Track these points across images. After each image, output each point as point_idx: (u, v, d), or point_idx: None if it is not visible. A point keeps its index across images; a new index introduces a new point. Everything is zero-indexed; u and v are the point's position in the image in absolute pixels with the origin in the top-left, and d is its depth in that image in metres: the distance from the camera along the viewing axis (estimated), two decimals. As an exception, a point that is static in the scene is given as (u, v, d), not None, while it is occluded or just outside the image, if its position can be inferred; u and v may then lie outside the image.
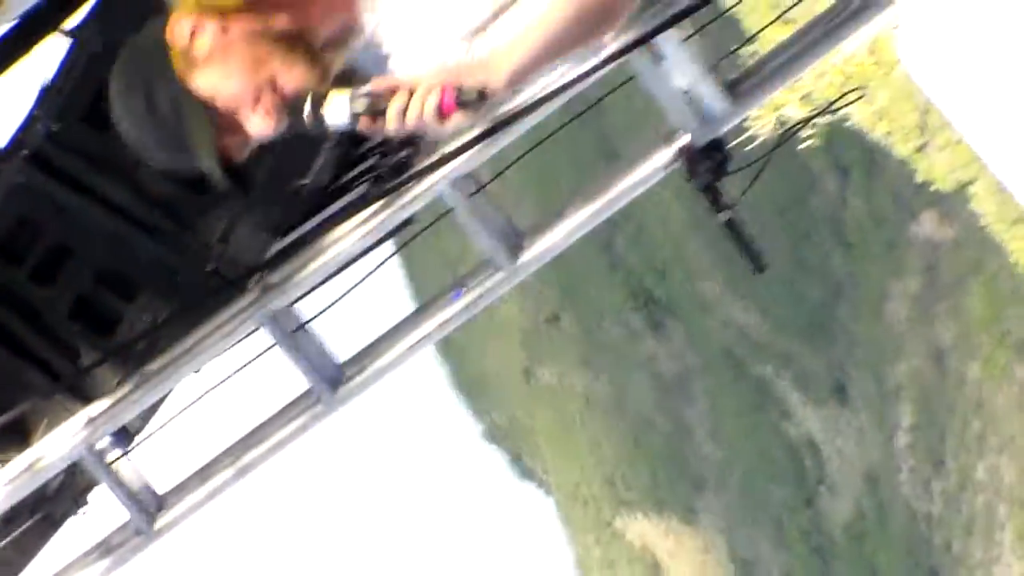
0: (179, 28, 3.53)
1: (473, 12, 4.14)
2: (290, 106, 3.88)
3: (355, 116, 3.90)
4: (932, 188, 36.98)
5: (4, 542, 7.82)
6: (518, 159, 7.63)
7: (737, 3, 9.27)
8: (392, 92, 3.82)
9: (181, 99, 3.48)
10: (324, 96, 3.80)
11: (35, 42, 8.24)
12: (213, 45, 3.51)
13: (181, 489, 7.66)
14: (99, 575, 7.86)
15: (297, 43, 3.74)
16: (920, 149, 37.29)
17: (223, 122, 3.60)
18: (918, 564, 46.09)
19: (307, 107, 3.90)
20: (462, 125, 3.92)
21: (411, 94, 3.82)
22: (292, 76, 3.63)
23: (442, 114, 3.74)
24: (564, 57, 4.02)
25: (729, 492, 49.47)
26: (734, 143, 7.47)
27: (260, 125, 3.57)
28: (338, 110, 3.79)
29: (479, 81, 3.88)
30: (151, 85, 3.62)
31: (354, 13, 4.03)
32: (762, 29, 8.75)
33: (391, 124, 3.82)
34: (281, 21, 3.66)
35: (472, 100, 3.78)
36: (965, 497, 42.79)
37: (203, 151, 3.52)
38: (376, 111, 3.80)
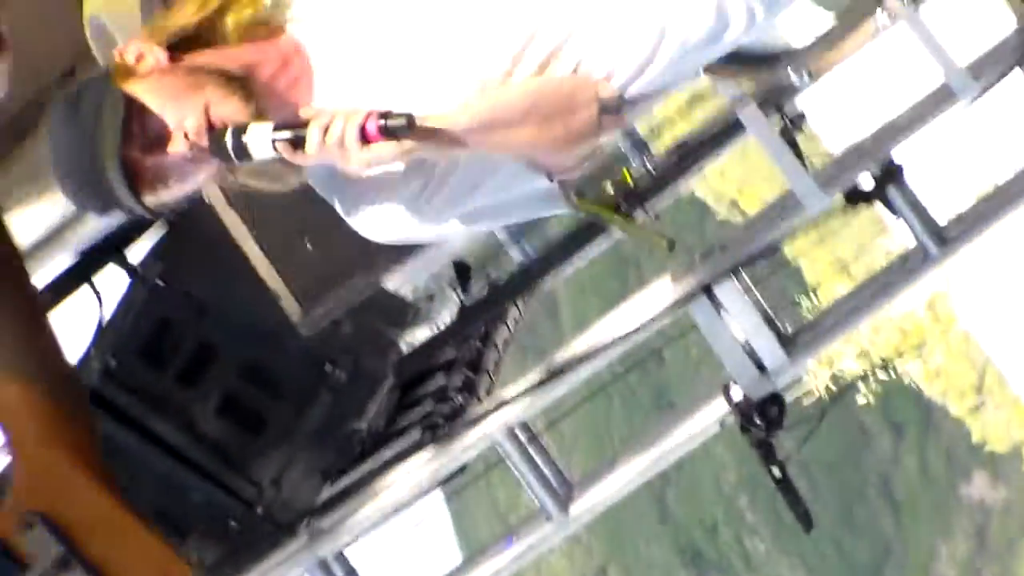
0: (130, 48, 3.54)
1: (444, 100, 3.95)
2: (214, 137, 3.61)
3: (275, 144, 3.65)
4: (986, 449, 38.36)
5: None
6: (574, 408, 7.44)
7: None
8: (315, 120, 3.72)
9: (105, 98, 3.35)
10: (246, 126, 3.57)
11: (94, 275, 7.99)
12: (156, 66, 3.44)
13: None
14: None
15: (238, 82, 3.54)
16: (976, 409, 38.23)
17: (138, 131, 3.37)
18: None
19: (228, 136, 3.66)
20: (385, 157, 3.64)
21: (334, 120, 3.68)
22: (226, 106, 3.43)
23: (365, 139, 3.52)
24: (528, 147, 3.81)
25: None
26: (790, 398, 6.81)
27: (178, 144, 3.39)
28: (260, 139, 3.54)
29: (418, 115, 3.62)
30: (84, 88, 3.49)
31: (305, 96, 3.86)
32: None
33: (310, 150, 3.60)
34: (231, 65, 3.55)
35: (399, 127, 3.49)
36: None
37: (107, 149, 3.27)
38: (299, 139, 3.57)
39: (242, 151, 3.54)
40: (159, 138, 3.34)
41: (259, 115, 3.37)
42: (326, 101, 3.91)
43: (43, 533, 2.56)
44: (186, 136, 3.33)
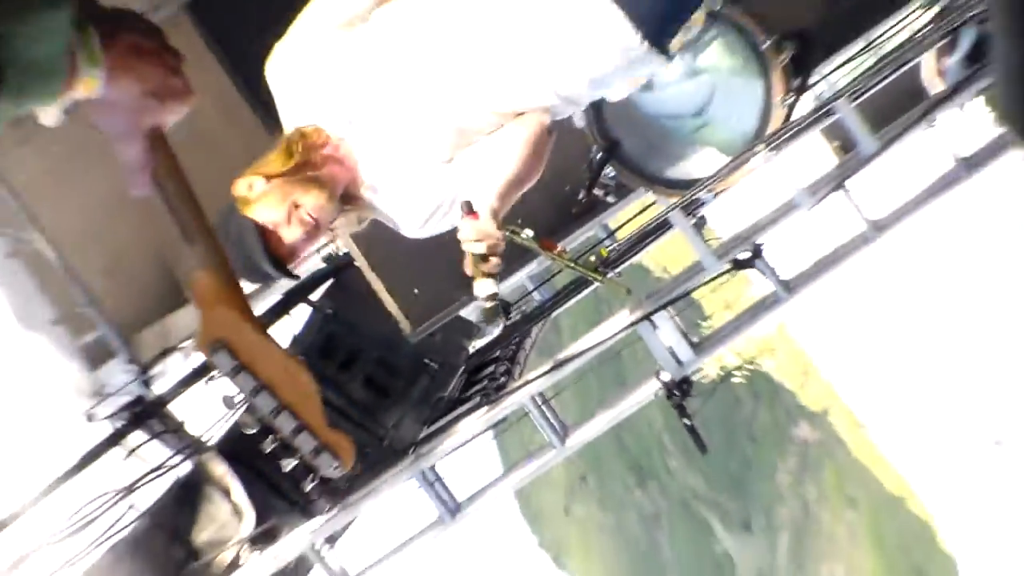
0: (241, 183, 4.34)
1: (437, 150, 5.11)
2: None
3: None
4: (808, 408, 58.14)
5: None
6: (569, 385, 8.33)
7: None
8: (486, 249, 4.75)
9: (241, 222, 4.22)
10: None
11: (290, 310, 9.42)
12: (260, 190, 4.27)
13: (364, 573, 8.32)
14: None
15: (313, 180, 4.46)
16: (802, 386, 58.03)
17: (272, 236, 4.32)
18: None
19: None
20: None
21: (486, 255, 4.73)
22: (308, 198, 4.35)
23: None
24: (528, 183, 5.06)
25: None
26: (696, 379, 8.02)
27: (291, 235, 4.31)
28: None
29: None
30: (226, 214, 4.35)
31: (355, 177, 4.89)
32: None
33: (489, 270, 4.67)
34: (307, 171, 4.41)
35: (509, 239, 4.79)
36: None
37: (257, 256, 4.23)
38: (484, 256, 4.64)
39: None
40: (293, 250, 4.39)
41: (330, 197, 4.41)
42: (369, 174, 5.02)
43: (223, 354, 2.45)
44: (295, 223, 4.33)
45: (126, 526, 8.06)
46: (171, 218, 2.54)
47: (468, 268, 4.60)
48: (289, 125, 4.39)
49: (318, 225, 4.33)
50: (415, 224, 5.01)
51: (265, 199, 4.28)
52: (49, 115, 2.60)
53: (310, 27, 4.94)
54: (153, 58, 2.43)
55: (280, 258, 4.34)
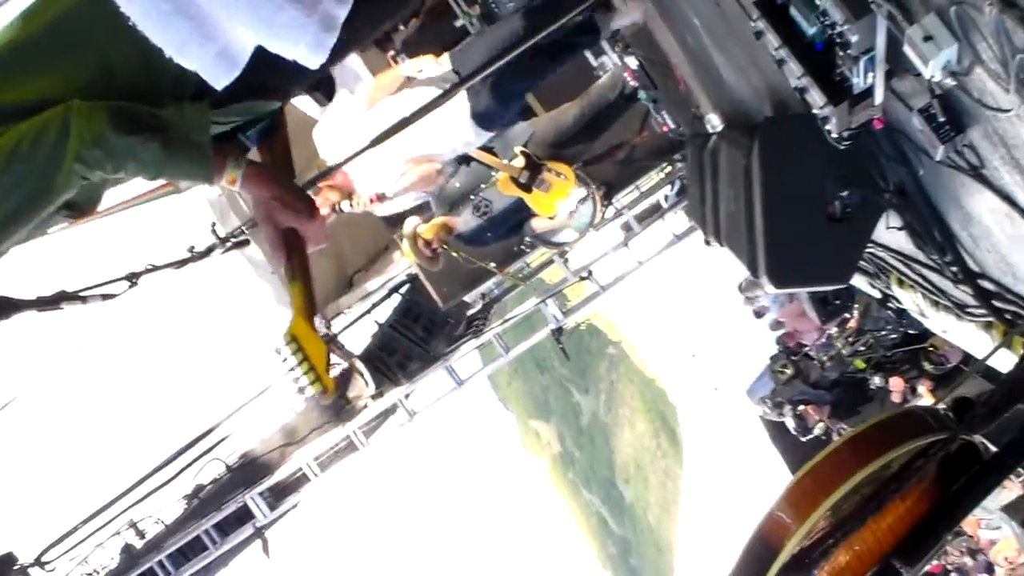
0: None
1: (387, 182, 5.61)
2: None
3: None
4: (614, 340, 73.91)
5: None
6: (509, 330, 9.64)
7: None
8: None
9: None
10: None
11: (391, 295, 9.81)
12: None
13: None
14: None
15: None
16: (612, 331, 71.43)
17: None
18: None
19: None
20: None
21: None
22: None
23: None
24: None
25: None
26: (565, 327, 9.40)
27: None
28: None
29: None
30: None
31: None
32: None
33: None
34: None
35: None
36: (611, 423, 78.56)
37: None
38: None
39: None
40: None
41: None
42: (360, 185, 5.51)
43: (294, 342, 2.21)
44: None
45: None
46: (284, 267, 2.54)
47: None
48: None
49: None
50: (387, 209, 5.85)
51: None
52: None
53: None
54: (273, 185, 2.41)
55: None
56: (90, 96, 2.06)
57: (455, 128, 5.60)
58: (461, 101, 5.47)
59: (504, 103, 5.71)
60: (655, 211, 9.80)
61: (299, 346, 2.42)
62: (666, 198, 10.14)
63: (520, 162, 6.91)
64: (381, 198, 5.66)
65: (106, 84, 2.10)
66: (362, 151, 3.76)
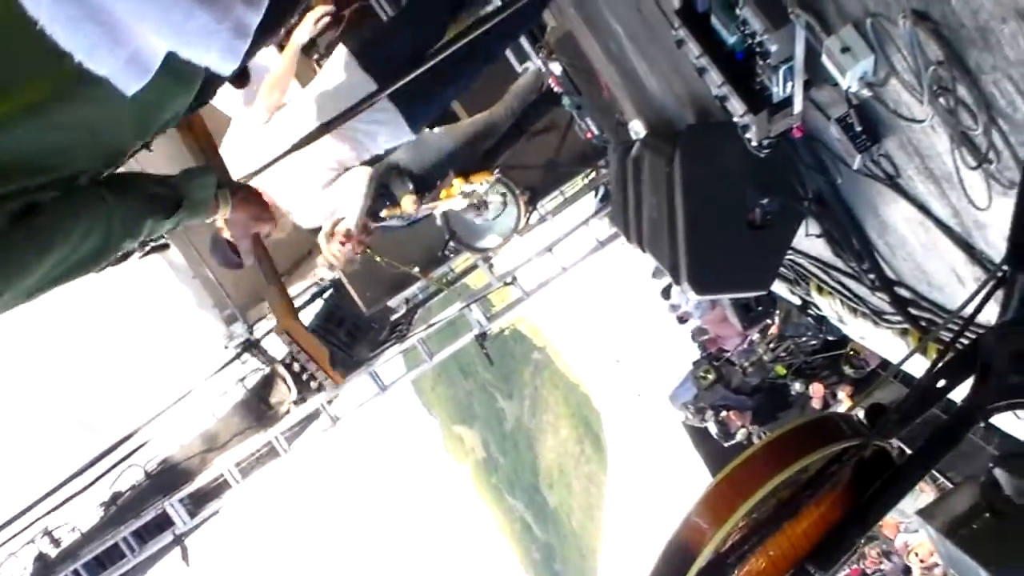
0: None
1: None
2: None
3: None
4: (538, 346, 74.25)
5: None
6: (435, 334, 9.68)
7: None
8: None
9: (218, 240, 4.15)
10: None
11: (314, 300, 9.99)
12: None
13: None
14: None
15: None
16: (536, 335, 70.89)
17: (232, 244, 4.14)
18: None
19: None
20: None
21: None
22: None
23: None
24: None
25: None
26: (489, 332, 9.48)
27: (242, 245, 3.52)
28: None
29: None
30: (214, 239, 4.52)
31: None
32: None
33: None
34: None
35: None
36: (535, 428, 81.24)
37: (226, 251, 4.31)
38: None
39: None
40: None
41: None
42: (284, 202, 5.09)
43: (286, 336, 2.59)
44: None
45: (243, 392, 9.19)
46: (262, 271, 2.86)
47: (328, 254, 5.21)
48: None
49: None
50: (307, 222, 5.30)
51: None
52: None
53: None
54: (254, 204, 2.75)
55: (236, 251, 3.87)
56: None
57: (373, 131, 5.35)
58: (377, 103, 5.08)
59: (433, 103, 5.54)
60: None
61: (295, 340, 2.59)
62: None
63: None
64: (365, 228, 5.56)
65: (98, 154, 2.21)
66: (268, 165, 3.85)
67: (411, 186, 6.69)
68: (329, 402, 9.25)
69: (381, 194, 6.51)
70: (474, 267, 10.12)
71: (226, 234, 3.73)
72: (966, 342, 2.09)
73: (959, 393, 2.10)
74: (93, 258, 2.19)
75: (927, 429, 2.05)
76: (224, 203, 2.56)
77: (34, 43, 1.87)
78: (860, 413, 2.19)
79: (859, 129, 2.82)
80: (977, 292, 2.13)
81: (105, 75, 1.99)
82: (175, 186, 2.36)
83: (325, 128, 4.04)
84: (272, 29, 2.68)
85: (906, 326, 4.05)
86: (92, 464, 8.83)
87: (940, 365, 2.08)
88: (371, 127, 5.25)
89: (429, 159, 6.92)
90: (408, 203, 6.78)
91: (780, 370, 13.28)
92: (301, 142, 4.09)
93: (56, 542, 8.93)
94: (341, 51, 5.22)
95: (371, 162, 5.52)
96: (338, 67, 5.15)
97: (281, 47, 5.48)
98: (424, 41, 5.05)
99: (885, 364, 8.83)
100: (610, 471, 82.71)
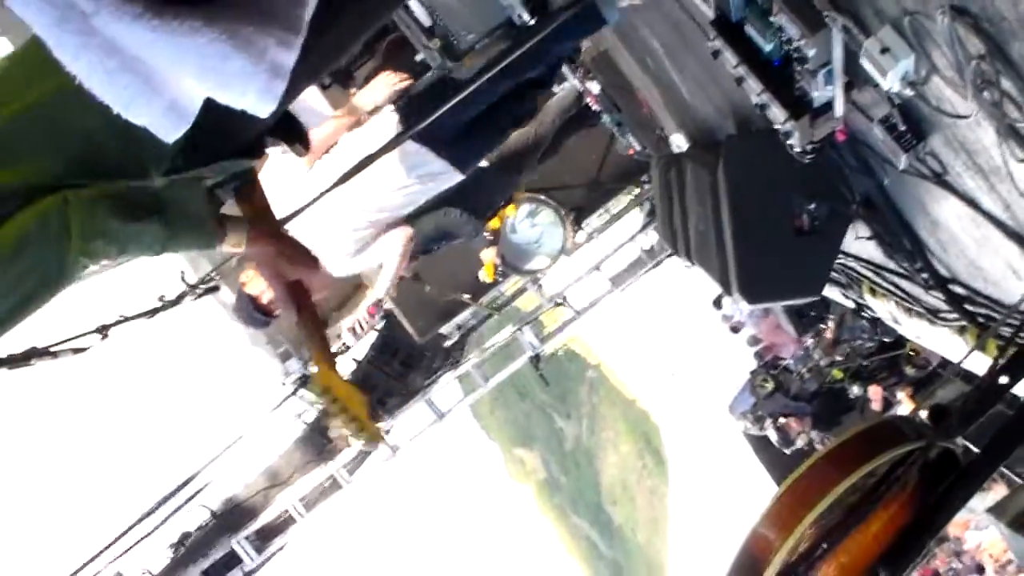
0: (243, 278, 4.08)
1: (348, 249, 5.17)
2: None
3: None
4: (592, 364, 74.51)
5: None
6: (488, 359, 9.50)
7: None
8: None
9: (243, 298, 3.96)
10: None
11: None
12: (250, 278, 4.03)
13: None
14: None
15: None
16: (589, 355, 72.18)
17: (259, 302, 4.25)
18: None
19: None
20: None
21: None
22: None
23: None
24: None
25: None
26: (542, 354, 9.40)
27: (267, 298, 4.08)
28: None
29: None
30: (239, 297, 4.23)
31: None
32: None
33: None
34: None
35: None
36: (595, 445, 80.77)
37: (245, 305, 4.04)
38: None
39: None
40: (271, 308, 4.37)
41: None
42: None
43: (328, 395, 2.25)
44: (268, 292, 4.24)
45: (304, 429, 9.30)
46: (301, 323, 2.52)
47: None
48: None
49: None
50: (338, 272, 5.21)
51: (253, 280, 4.40)
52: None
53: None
54: (281, 241, 2.49)
55: (264, 311, 4.46)
56: (71, 177, 2.07)
57: (430, 188, 5.32)
58: (419, 154, 5.16)
59: (487, 145, 5.58)
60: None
61: (335, 396, 2.41)
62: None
63: None
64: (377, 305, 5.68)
65: (88, 166, 2.10)
66: (308, 205, 3.71)
67: (472, 228, 6.59)
68: (387, 432, 9.23)
69: (440, 237, 6.43)
70: (524, 290, 9.99)
71: (250, 288, 3.93)
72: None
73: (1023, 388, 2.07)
74: (48, 271, 2.07)
75: (992, 426, 2.01)
76: (235, 232, 2.38)
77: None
78: (923, 414, 2.16)
79: (903, 128, 2.79)
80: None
81: (144, 124, 1.99)
82: (156, 195, 2.21)
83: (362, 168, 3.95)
84: (313, 73, 2.49)
85: (963, 323, 3.99)
86: (159, 506, 8.83)
87: (1002, 361, 2.04)
88: (428, 185, 5.24)
89: (475, 188, 6.66)
90: (488, 256, 7.39)
91: (837, 374, 13.14)
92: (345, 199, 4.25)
93: (129, 585, 9.04)
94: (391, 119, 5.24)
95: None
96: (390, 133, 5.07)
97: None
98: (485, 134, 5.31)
99: (945, 363, 8.73)
100: (672, 484, 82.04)
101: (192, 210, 2.25)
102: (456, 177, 5.25)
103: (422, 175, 5.14)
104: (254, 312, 4.43)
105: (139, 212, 2.14)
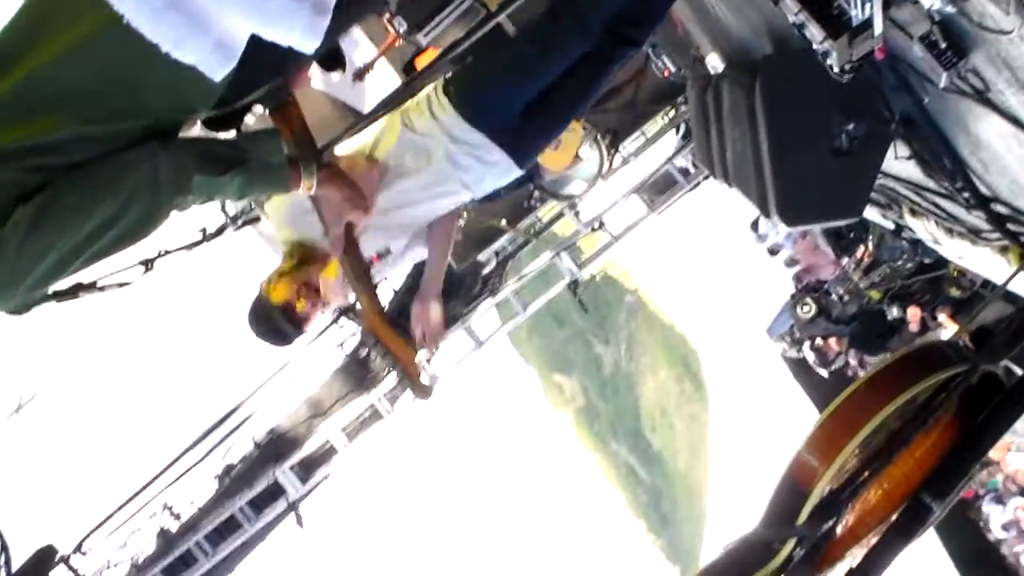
0: (263, 283, 3.47)
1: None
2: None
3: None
4: (629, 289, 72.03)
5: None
6: (527, 285, 9.80)
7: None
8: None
9: (268, 310, 3.48)
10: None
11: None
12: (277, 284, 3.37)
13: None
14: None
15: (310, 265, 3.44)
16: (627, 280, 69.67)
17: (288, 308, 3.51)
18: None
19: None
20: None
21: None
22: (311, 275, 3.46)
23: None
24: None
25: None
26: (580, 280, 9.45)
27: (301, 307, 3.48)
28: None
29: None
30: (258, 306, 3.54)
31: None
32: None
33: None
34: (311, 273, 3.44)
35: None
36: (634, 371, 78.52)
37: (279, 319, 3.48)
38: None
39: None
40: (292, 305, 3.46)
41: (321, 271, 3.55)
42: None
43: (377, 345, 2.58)
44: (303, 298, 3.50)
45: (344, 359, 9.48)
46: (349, 270, 2.74)
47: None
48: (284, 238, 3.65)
49: (318, 293, 3.58)
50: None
51: (280, 287, 3.61)
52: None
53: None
54: (345, 184, 2.64)
55: (297, 322, 3.67)
56: (114, 120, 2.11)
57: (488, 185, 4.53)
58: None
59: (549, 137, 4.35)
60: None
61: (384, 346, 2.40)
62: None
63: None
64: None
65: (130, 107, 2.14)
66: (345, 132, 3.27)
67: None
68: (427, 360, 9.28)
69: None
70: (561, 215, 10.16)
71: (277, 296, 3.52)
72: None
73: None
74: (142, 218, 2.18)
75: (1036, 347, 2.00)
76: (307, 175, 2.50)
77: None
78: (962, 339, 2.15)
79: (944, 46, 2.75)
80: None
81: (192, 63, 2.04)
82: (237, 146, 2.32)
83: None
84: (354, 11, 2.55)
85: (1005, 243, 3.98)
86: (203, 438, 9.06)
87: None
88: (484, 182, 3.99)
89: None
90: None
91: (874, 295, 13.14)
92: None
93: (176, 516, 9.13)
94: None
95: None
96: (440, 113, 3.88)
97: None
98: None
99: (986, 283, 8.70)
100: (712, 409, 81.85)
101: (272, 161, 2.35)
102: (514, 171, 4.04)
103: (482, 171, 3.96)
104: (286, 325, 3.73)
105: (223, 165, 2.23)
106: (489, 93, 3.77)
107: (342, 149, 3.62)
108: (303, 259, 3.53)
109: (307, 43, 2.13)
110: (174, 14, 1.97)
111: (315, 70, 4.94)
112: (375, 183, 3.50)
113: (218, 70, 2.08)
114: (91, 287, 3.30)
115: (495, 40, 3.75)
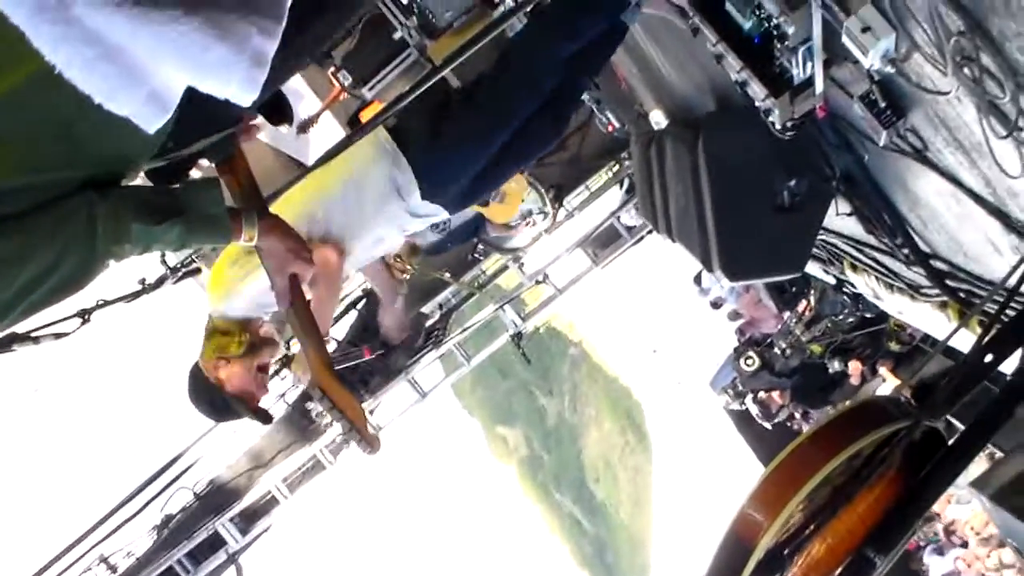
0: (209, 368, 3.52)
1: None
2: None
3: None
4: (574, 341, 73.00)
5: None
6: (470, 336, 9.67)
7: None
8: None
9: (220, 399, 3.49)
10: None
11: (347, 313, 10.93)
12: (228, 371, 3.46)
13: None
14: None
15: (262, 346, 3.55)
16: (571, 331, 70.22)
17: (246, 395, 3.50)
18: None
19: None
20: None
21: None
22: (267, 356, 3.56)
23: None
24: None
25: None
26: (524, 332, 9.48)
27: (260, 392, 3.54)
28: None
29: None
30: (201, 389, 3.60)
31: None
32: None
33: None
34: (263, 356, 3.54)
35: None
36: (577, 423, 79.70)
37: (241, 410, 3.47)
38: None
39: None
40: (253, 394, 3.52)
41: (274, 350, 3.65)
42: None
43: (323, 399, 2.23)
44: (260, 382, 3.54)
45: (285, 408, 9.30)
46: (296, 320, 2.60)
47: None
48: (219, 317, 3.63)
49: (267, 372, 3.64)
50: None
51: (233, 375, 3.59)
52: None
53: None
54: (289, 235, 2.53)
55: (255, 407, 3.64)
56: (49, 170, 2.05)
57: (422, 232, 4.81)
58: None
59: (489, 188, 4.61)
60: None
61: (331, 400, 2.52)
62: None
63: None
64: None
65: (66, 157, 2.08)
66: (291, 184, 3.55)
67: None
68: (371, 412, 9.23)
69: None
70: (505, 268, 10.15)
71: (221, 373, 3.54)
72: (1012, 314, 2.05)
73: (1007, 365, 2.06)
74: (78, 269, 2.11)
75: (975, 402, 2.02)
76: (249, 226, 2.45)
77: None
78: (904, 395, 2.15)
79: (883, 105, 2.79)
80: (1020, 263, 2.10)
81: (126, 115, 1.98)
82: (176, 196, 2.29)
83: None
84: (294, 61, 2.56)
85: (944, 299, 4.01)
86: (142, 489, 8.79)
87: (987, 339, 2.05)
88: (423, 224, 4.23)
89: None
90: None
91: (816, 349, 13.28)
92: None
93: (112, 568, 8.95)
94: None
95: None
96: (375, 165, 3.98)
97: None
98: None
99: (926, 337, 8.78)
100: (655, 461, 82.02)
101: (211, 211, 2.31)
102: (444, 215, 4.18)
103: (422, 222, 4.18)
104: (244, 410, 3.64)
105: (161, 214, 2.20)
106: (448, 172, 3.85)
107: (284, 201, 3.67)
108: (253, 343, 3.54)
109: (245, 96, 2.08)
110: (107, 65, 1.92)
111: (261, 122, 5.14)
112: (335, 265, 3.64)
113: (152, 122, 2.03)
114: (26, 338, 3.24)
115: (446, 102, 3.94)
